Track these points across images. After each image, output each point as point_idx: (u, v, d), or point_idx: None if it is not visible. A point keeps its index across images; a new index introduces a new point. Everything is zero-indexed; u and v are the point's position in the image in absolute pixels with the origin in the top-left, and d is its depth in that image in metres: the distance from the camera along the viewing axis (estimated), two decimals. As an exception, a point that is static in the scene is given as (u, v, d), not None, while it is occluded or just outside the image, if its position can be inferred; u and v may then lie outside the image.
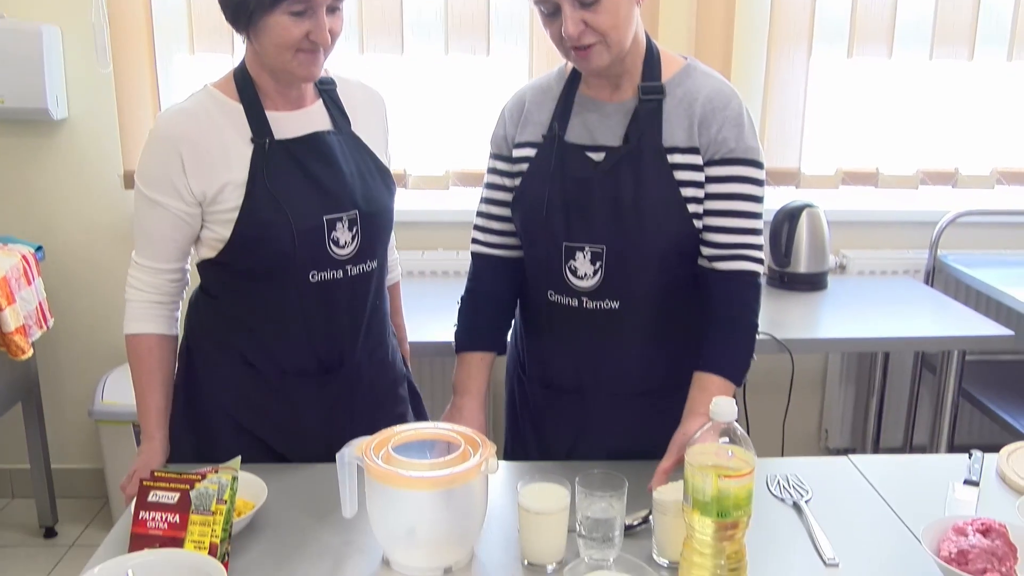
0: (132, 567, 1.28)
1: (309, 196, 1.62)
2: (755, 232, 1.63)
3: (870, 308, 2.90)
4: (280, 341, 1.69)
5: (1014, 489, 1.60)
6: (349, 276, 1.68)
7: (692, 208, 1.60)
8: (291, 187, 1.60)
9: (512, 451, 1.86)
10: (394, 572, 1.37)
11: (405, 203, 3.17)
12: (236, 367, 1.70)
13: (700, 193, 1.60)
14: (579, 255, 1.63)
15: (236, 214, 1.58)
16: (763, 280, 1.65)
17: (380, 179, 1.73)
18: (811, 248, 3.00)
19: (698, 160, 1.59)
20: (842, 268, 3.28)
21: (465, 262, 3.30)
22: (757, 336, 1.65)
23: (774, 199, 3.18)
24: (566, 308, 1.67)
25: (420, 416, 1.90)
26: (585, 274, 1.63)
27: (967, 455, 1.70)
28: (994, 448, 1.73)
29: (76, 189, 3.13)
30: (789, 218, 3.01)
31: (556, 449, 1.76)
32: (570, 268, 1.64)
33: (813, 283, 3.04)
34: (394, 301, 1.98)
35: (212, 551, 1.32)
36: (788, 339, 2.56)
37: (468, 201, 3.21)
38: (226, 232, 1.60)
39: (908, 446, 3.34)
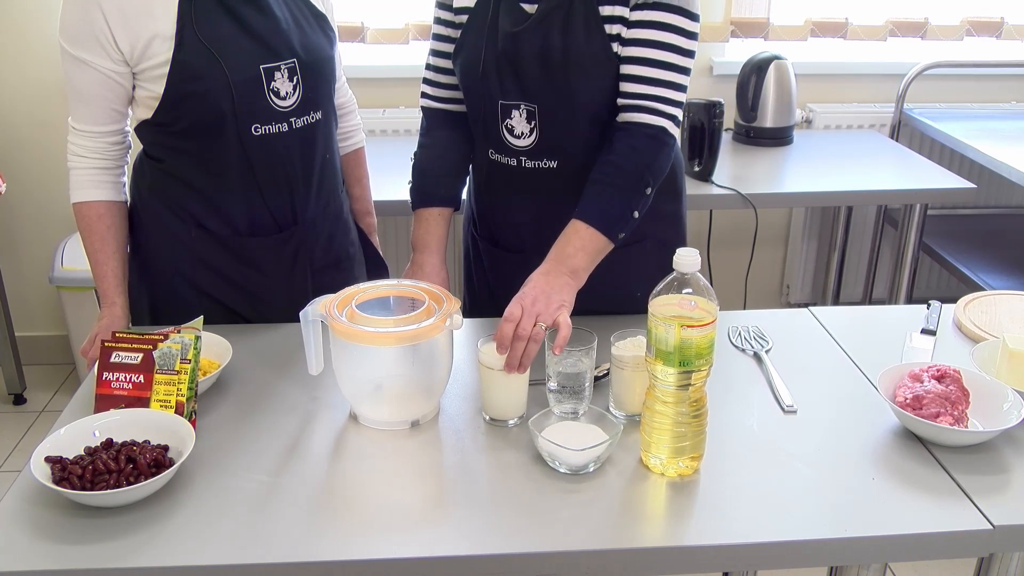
0: (98, 427, 1.28)
1: (243, 45, 1.55)
2: (673, 86, 1.51)
3: (835, 163, 2.90)
4: (230, 200, 1.65)
5: (970, 337, 1.64)
6: (294, 129, 1.63)
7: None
8: (223, 36, 1.53)
9: (469, 309, 1.86)
10: (362, 426, 1.38)
11: (363, 59, 3.11)
12: (189, 229, 1.66)
13: None
14: (515, 113, 1.58)
15: (167, 68, 1.52)
16: (675, 142, 1.54)
17: (317, 25, 1.67)
18: (778, 102, 2.97)
19: (627, 12, 1.51)
20: (808, 122, 3.26)
21: (427, 120, 3.21)
22: (648, 196, 1.50)
23: (741, 51, 3.13)
24: (506, 168, 1.64)
25: None
26: (522, 133, 1.59)
27: (925, 306, 1.73)
28: (952, 301, 1.75)
29: (18, 48, 3.00)
30: (757, 71, 2.97)
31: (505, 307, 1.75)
32: (507, 127, 1.60)
33: (779, 138, 3.03)
34: (356, 169, 1.93)
35: (178, 410, 1.32)
36: (752, 194, 2.56)
37: (429, 56, 3.13)
38: (158, 89, 1.54)
39: (868, 300, 3.41)
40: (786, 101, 2.98)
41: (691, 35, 1.51)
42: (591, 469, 1.27)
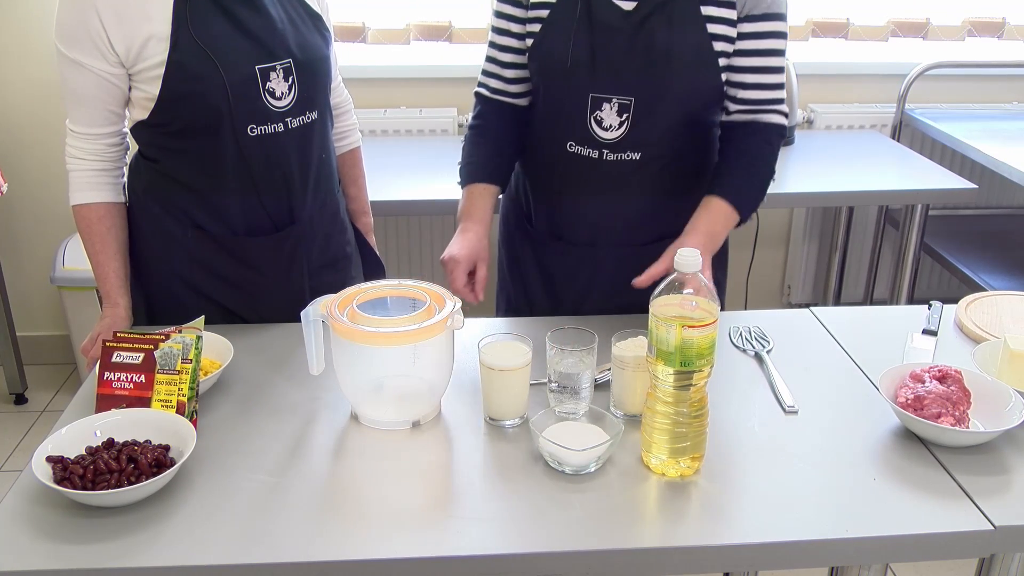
0: (99, 427, 1.28)
1: (239, 45, 1.55)
2: (782, 87, 1.65)
3: (836, 163, 2.90)
4: (226, 200, 1.64)
5: (971, 338, 1.64)
6: (290, 128, 1.63)
7: (722, 62, 1.58)
8: (219, 36, 1.53)
9: (517, 310, 1.86)
10: (363, 427, 1.38)
11: (364, 59, 3.11)
12: (185, 230, 1.66)
13: (730, 48, 1.58)
14: (606, 106, 1.60)
15: (163, 69, 1.51)
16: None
17: (312, 25, 1.67)
18: (779, 102, 2.96)
19: (732, 14, 1.57)
20: (809, 123, 3.26)
21: (429, 120, 3.25)
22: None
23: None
24: (586, 160, 1.65)
25: None
26: (611, 125, 1.61)
27: (926, 306, 1.73)
28: (953, 302, 1.75)
29: (20, 48, 3.00)
30: (757, 72, 2.96)
31: (566, 302, 1.77)
32: (595, 119, 1.61)
33: (780, 138, 3.02)
34: (353, 169, 1.93)
35: (179, 410, 1.32)
36: (754, 195, 2.55)
37: (431, 56, 3.12)
38: (154, 90, 1.53)
39: (869, 300, 3.40)
40: (787, 101, 2.97)
41: (787, 36, 1.63)
42: (592, 469, 1.27)
